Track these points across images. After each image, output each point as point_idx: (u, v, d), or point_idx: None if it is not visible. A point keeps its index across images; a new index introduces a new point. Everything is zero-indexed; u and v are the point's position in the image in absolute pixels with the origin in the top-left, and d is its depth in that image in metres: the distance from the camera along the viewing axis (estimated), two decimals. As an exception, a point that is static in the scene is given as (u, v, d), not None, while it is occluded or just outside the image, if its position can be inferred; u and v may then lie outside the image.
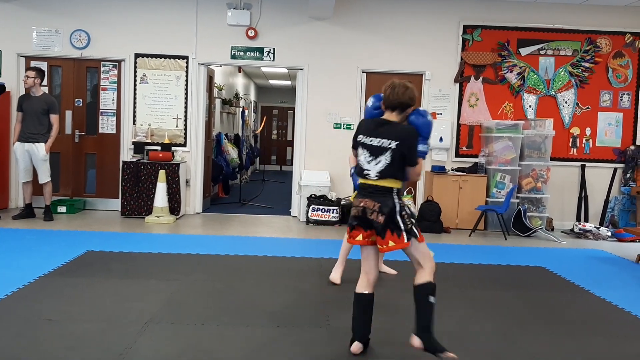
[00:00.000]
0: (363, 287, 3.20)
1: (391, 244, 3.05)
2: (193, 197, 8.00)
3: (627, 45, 7.90)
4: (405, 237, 3.05)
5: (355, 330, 3.18)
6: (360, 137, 3.22)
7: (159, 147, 7.69)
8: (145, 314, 3.64)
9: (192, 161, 7.96)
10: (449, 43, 7.90)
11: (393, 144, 3.06)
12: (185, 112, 7.89)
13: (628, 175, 7.84)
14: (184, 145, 7.91)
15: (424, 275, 3.08)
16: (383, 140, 3.09)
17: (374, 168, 3.12)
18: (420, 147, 3.12)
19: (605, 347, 3.41)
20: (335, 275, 4.64)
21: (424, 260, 3.11)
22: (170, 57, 7.84)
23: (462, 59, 7.89)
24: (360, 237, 3.17)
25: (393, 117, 3.16)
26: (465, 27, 7.87)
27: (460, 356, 3.17)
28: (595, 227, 7.44)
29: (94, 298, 3.97)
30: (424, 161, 3.21)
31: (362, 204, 3.12)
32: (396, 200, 3.08)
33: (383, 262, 5.06)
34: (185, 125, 7.90)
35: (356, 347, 3.14)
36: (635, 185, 7.72)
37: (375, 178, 3.11)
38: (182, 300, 3.99)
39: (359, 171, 3.22)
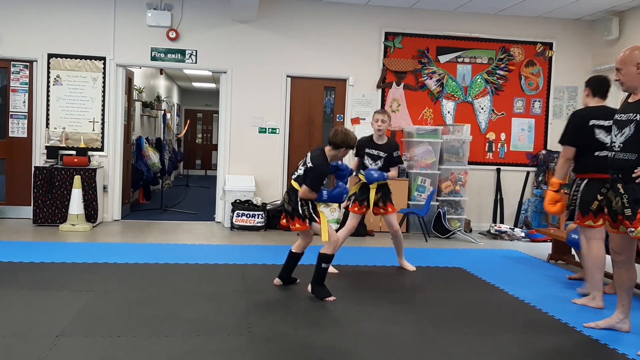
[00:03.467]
0: (296, 247, 4.64)
1: (297, 225, 4.39)
2: (111, 203, 7.71)
3: (538, 54, 8.32)
4: (307, 222, 4.36)
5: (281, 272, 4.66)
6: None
7: (74, 152, 7.36)
8: (57, 327, 3.45)
9: (110, 166, 7.67)
10: (372, 49, 8.04)
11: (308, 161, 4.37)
12: (103, 115, 7.60)
13: (540, 178, 8.25)
14: (101, 149, 7.61)
15: (324, 247, 4.36)
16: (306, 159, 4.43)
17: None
18: (323, 191, 4.36)
19: (517, 343, 3.55)
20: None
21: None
22: (86, 57, 7.53)
23: (384, 65, 8.04)
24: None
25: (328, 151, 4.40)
26: (387, 34, 8.03)
27: (379, 357, 3.21)
28: (510, 228, 7.77)
29: (0, 312, 3.72)
30: (313, 195, 4.31)
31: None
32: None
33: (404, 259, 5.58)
34: (103, 128, 7.61)
35: (277, 280, 4.63)
36: (546, 188, 8.11)
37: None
38: (96, 312, 3.81)
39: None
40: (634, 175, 3.39)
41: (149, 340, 3.34)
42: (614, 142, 3.55)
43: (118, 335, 3.38)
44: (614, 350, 3.47)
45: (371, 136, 5.38)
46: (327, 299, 4.27)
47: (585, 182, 4.32)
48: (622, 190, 3.48)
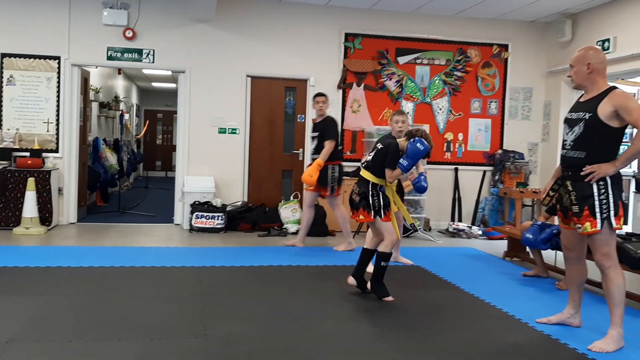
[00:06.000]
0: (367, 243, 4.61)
1: (361, 217, 4.40)
2: (67, 206, 7.54)
3: (495, 56, 8.48)
4: (372, 214, 4.37)
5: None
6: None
7: (27, 153, 7.16)
8: (6, 333, 3.35)
9: (65, 168, 7.50)
10: (332, 50, 8.06)
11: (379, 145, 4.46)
12: (58, 115, 7.42)
13: (496, 177, 8.41)
14: (56, 151, 7.43)
15: (382, 246, 4.39)
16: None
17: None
18: (401, 160, 4.31)
19: (472, 340, 3.61)
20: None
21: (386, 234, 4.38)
22: (40, 57, 7.35)
23: (344, 66, 8.08)
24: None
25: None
26: (347, 35, 8.07)
27: (335, 357, 3.23)
28: (468, 226, 7.91)
29: (-56, 319, 3.60)
30: (398, 171, 4.31)
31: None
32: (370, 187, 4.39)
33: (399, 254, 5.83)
34: (58, 129, 7.43)
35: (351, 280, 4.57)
36: (502, 186, 8.29)
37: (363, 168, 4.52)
38: (48, 317, 3.72)
39: None
40: (582, 173, 3.49)
41: (102, 344, 3.27)
42: (566, 140, 3.64)
43: (70, 340, 3.31)
44: (564, 345, 3.56)
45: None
46: (385, 298, 4.33)
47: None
48: (570, 188, 3.57)
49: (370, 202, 4.34)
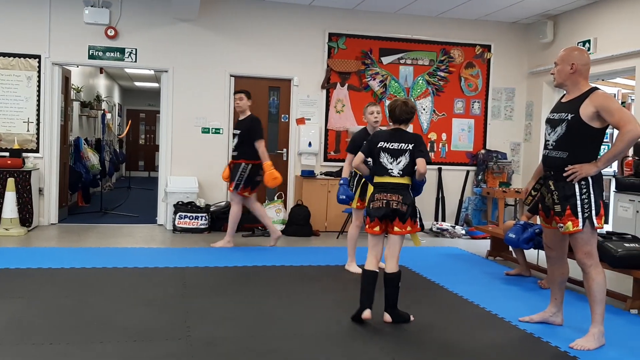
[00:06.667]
0: (372, 266, 3.87)
1: (409, 228, 3.80)
2: (47, 206, 7.44)
3: (477, 56, 8.54)
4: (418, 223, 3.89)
5: (365, 300, 3.81)
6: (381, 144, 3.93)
7: (7, 153, 7.05)
8: (-16, 337, 3.30)
9: (46, 168, 7.40)
10: (316, 50, 8.05)
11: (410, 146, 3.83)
12: (38, 115, 7.33)
13: (479, 177, 8.46)
14: (37, 150, 7.34)
15: (394, 264, 3.86)
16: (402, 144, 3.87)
17: (396, 167, 3.85)
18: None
19: (455, 339, 3.62)
20: (355, 267, 5.34)
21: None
22: (20, 55, 7.25)
23: (328, 66, 8.08)
24: (377, 228, 3.85)
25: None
26: (330, 35, 8.06)
27: (320, 358, 3.22)
28: (451, 226, 7.94)
29: None
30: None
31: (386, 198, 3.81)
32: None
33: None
34: (38, 129, 7.34)
35: (368, 313, 3.78)
36: (485, 186, 8.34)
37: (398, 175, 3.83)
38: (28, 319, 3.66)
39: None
40: (565, 174, 3.51)
41: (82, 347, 3.23)
42: (548, 141, 3.67)
43: (50, 343, 3.26)
44: (547, 344, 3.58)
45: (366, 129, 5.34)
46: (412, 319, 3.90)
47: None
48: (552, 187, 3.60)
49: (416, 210, 3.84)
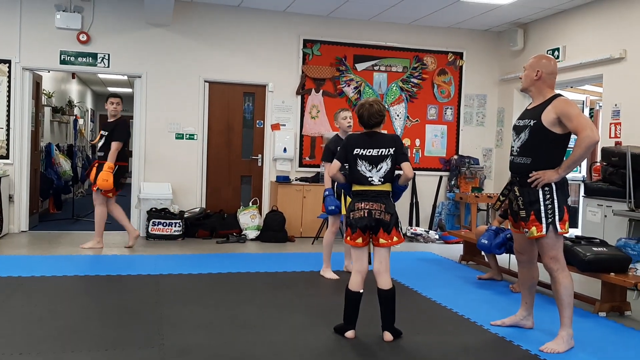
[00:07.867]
0: (357, 285, 3.65)
1: (395, 239, 3.62)
2: (17, 214, 7.31)
3: (450, 63, 8.65)
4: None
5: (350, 320, 3.67)
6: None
7: (-25, 160, 6.94)
8: (-49, 348, 3.23)
9: (16, 174, 7.28)
10: (291, 56, 8.08)
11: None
12: (8, 121, 7.21)
13: (452, 182, 8.56)
14: (7, 157, 7.22)
15: (387, 280, 3.68)
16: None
17: (377, 175, 3.62)
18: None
19: (428, 343, 3.66)
20: (330, 273, 5.35)
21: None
22: (-11, 60, 7.13)
23: (303, 72, 8.10)
24: (360, 240, 3.63)
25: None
26: (305, 41, 8.10)
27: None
28: (425, 230, 8.02)
29: None
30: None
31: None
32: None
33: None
34: (8, 135, 7.22)
35: (352, 333, 3.66)
36: (458, 191, 8.44)
37: (379, 183, 3.61)
38: (-3, 329, 3.60)
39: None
40: (528, 180, 3.59)
41: (53, 357, 3.19)
42: (513, 147, 3.75)
43: (20, 353, 3.21)
44: (518, 347, 3.65)
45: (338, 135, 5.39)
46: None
47: None
48: (518, 193, 3.67)
49: (397, 219, 3.65)
